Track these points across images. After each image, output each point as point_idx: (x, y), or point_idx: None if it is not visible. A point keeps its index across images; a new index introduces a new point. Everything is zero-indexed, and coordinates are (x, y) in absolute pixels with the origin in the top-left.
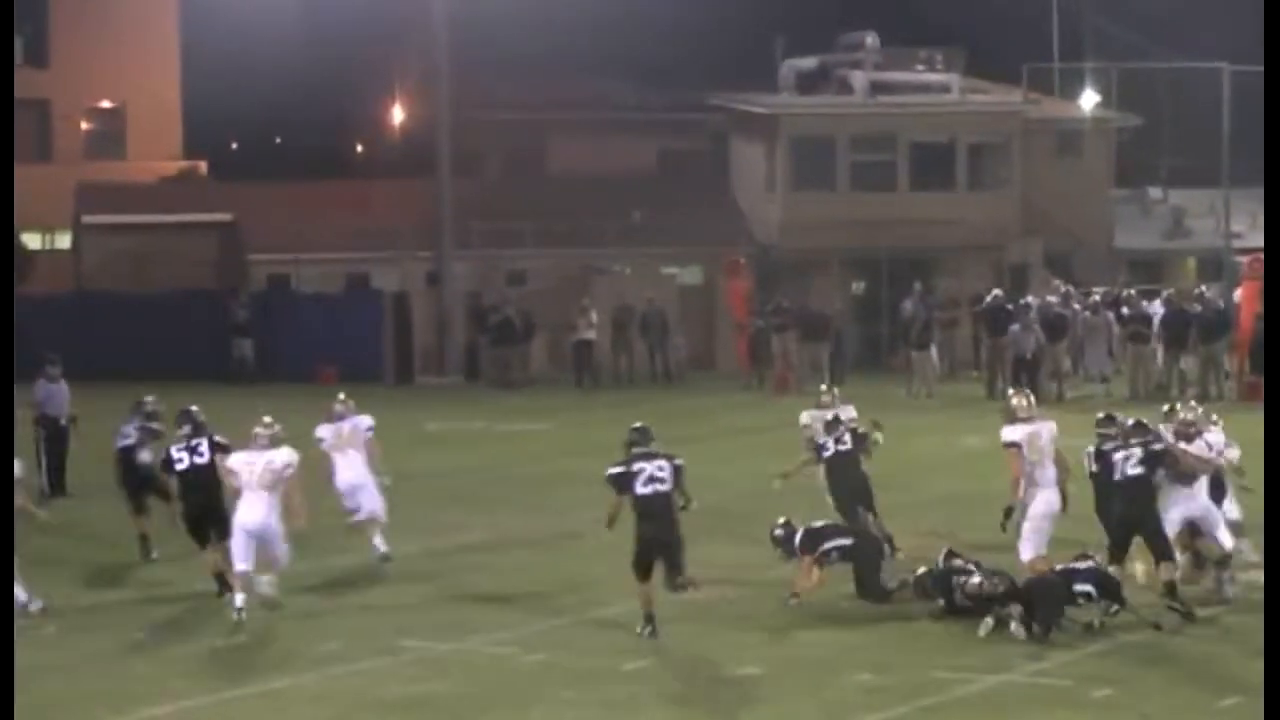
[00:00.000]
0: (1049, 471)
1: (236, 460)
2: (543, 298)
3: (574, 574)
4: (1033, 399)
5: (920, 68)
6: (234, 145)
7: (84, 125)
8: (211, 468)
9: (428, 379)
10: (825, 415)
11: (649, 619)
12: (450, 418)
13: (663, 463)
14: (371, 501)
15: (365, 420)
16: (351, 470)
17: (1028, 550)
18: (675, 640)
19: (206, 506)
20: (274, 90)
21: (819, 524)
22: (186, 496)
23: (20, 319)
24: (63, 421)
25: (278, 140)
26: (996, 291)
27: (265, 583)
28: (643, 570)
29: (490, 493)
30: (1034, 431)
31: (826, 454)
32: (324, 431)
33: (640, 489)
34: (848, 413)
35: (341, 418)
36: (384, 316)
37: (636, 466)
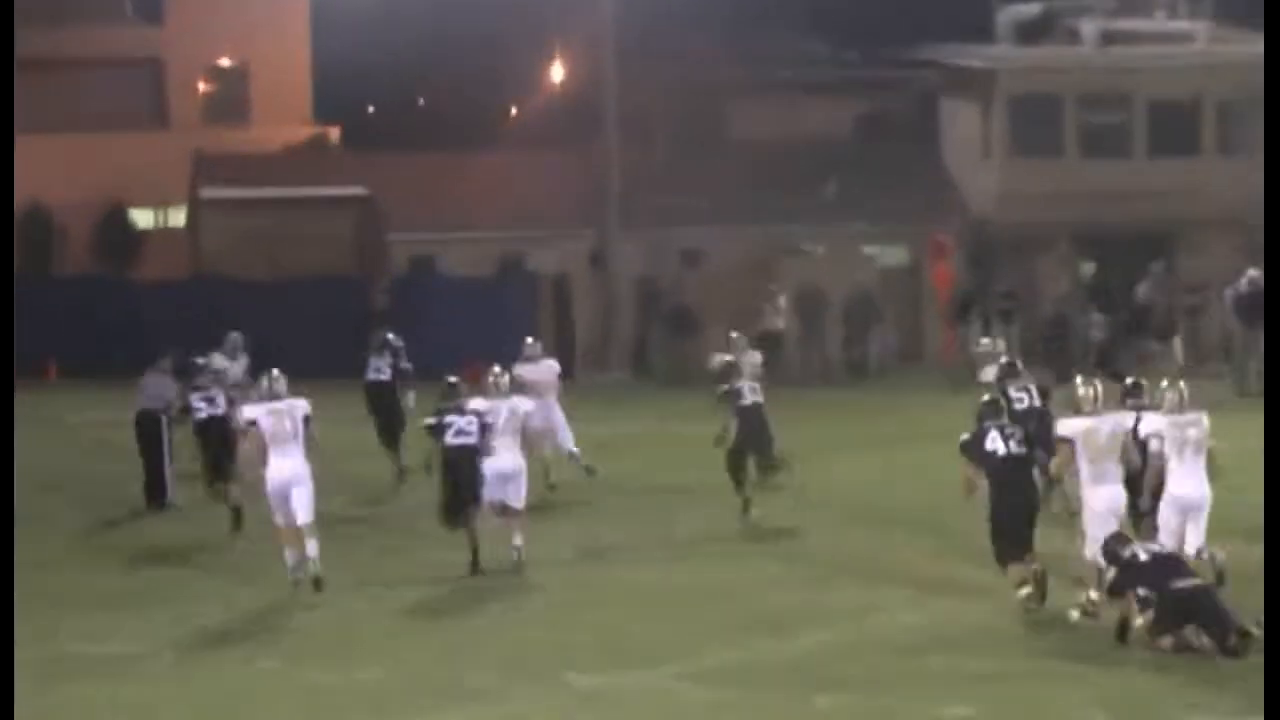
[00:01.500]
0: (1110, 468)
1: (257, 411)
2: (722, 282)
3: (752, 596)
4: (1099, 390)
5: (1160, 14)
6: (370, 109)
7: (202, 87)
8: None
9: (590, 375)
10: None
11: (474, 558)
12: (616, 419)
13: (471, 419)
14: (518, 493)
15: (524, 403)
16: (508, 455)
17: (1089, 549)
18: (879, 673)
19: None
20: (416, 47)
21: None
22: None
23: (129, 306)
24: (165, 415)
25: (420, 104)
26: (1251, 272)
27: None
28: (451, 517)
29: (659, 503)
30: (1093, 427)
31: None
32: (480, 405)
33: (450, 439)
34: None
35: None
36: (541, 303)
37: (448, 419)
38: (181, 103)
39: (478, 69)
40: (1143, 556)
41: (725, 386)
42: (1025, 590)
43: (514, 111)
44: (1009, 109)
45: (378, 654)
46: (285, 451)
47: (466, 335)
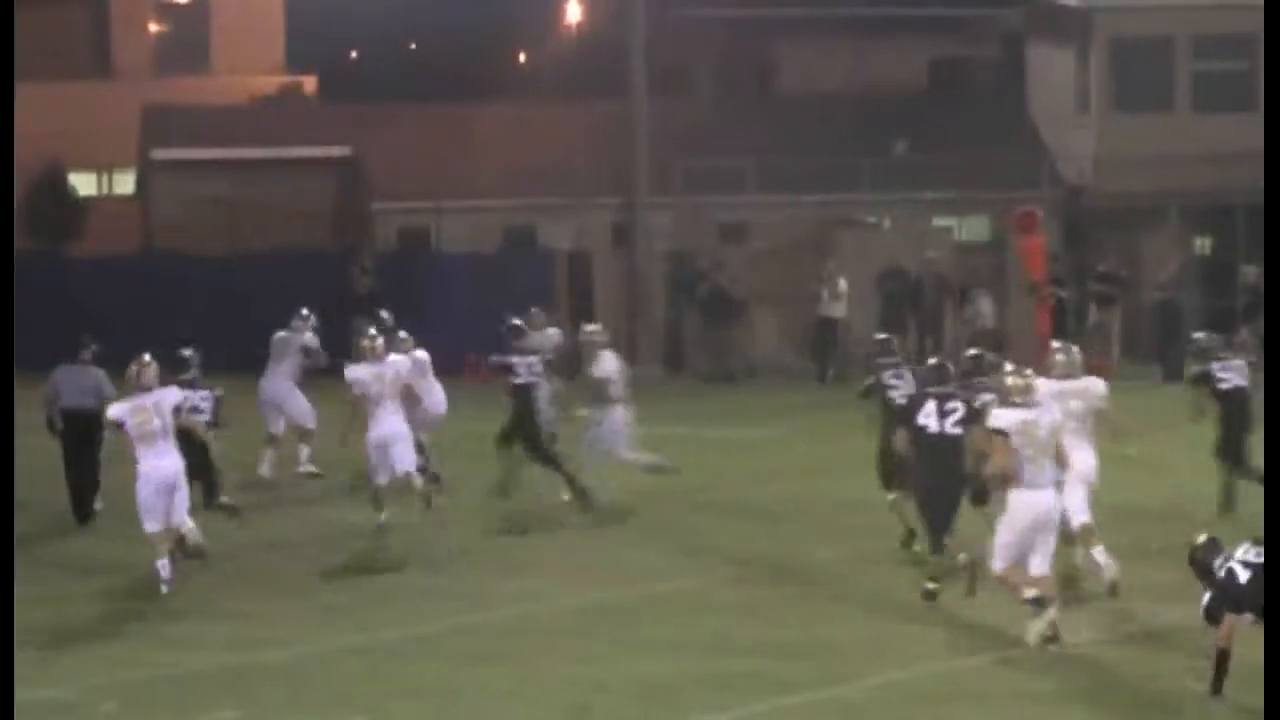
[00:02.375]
0: (1044, 472)
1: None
2: (770, 259)
3: (810, 635)
4: (1032, 380)
5: None
6: (353, 55)
7: (152, 28)
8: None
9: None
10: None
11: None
12: (645, 421)
13: None
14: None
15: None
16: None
17: (998, 561)
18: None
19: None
20: None
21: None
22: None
23: (67, 287)
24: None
25: (412, 47)
26: None
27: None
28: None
29: (696, 523)
30: (1031, 419)
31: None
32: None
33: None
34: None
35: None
36: (555, 285)
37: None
38: (128, 46)
39: (479, 7)
40: (1242, 575)
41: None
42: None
43: (523, 58)
44: (1110, 54)
45: (359, 700)
46: (158, 451)
47: (466, 322)
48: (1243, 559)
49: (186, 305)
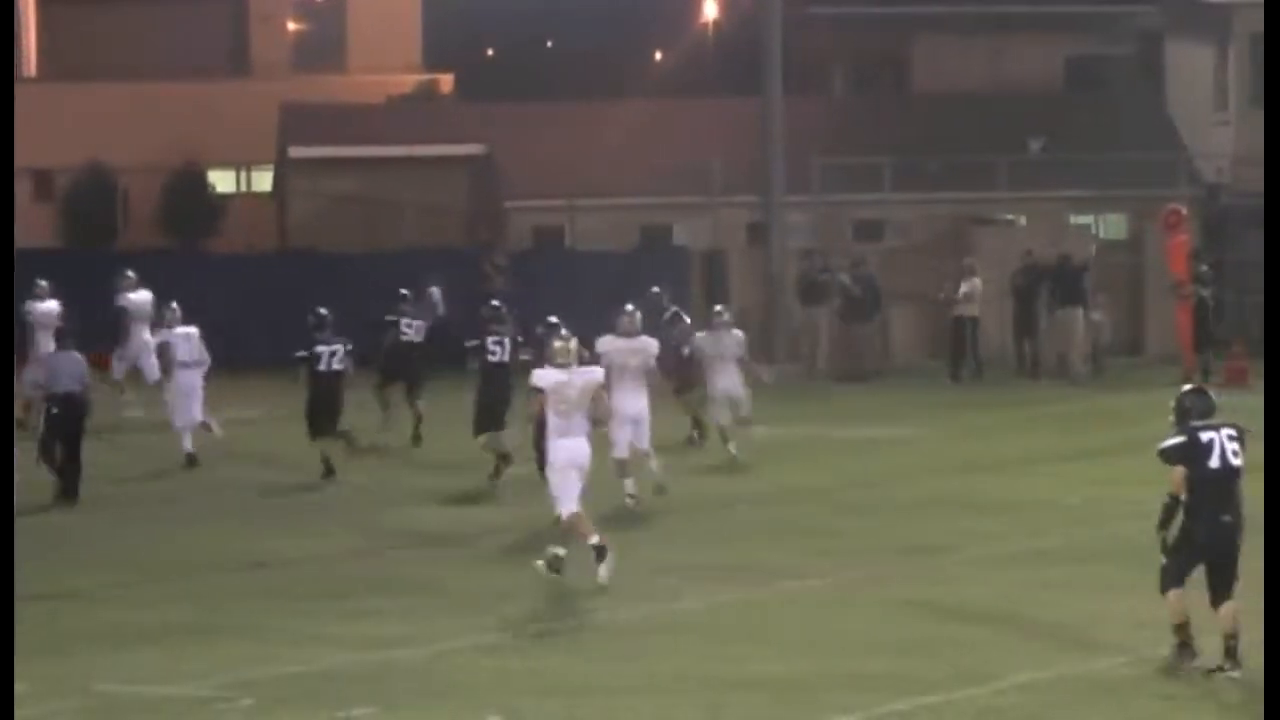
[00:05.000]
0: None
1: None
2: (906, 258)
3: (945, 634)
4: (574, 345)
5: None
6: (489, 53)
7: (290, 26)
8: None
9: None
10: None
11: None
12: (778, 420)
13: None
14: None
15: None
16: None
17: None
18: None
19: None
20: None
21: None
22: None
23: (205, 285)
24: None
25: (548, 46)
26: None
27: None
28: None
29: (830, 523)
30: (565, 381)
31: None
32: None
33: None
34: None
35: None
36: (690, 284)
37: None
38: (267, 45)
39: (616, 5)
40: (1204, 437)
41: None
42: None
43: (659, 55)
44: (1249, 50)
45: (492, 697)
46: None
47: (598, 322)
48: (1226, 434)
49: (321, 303)
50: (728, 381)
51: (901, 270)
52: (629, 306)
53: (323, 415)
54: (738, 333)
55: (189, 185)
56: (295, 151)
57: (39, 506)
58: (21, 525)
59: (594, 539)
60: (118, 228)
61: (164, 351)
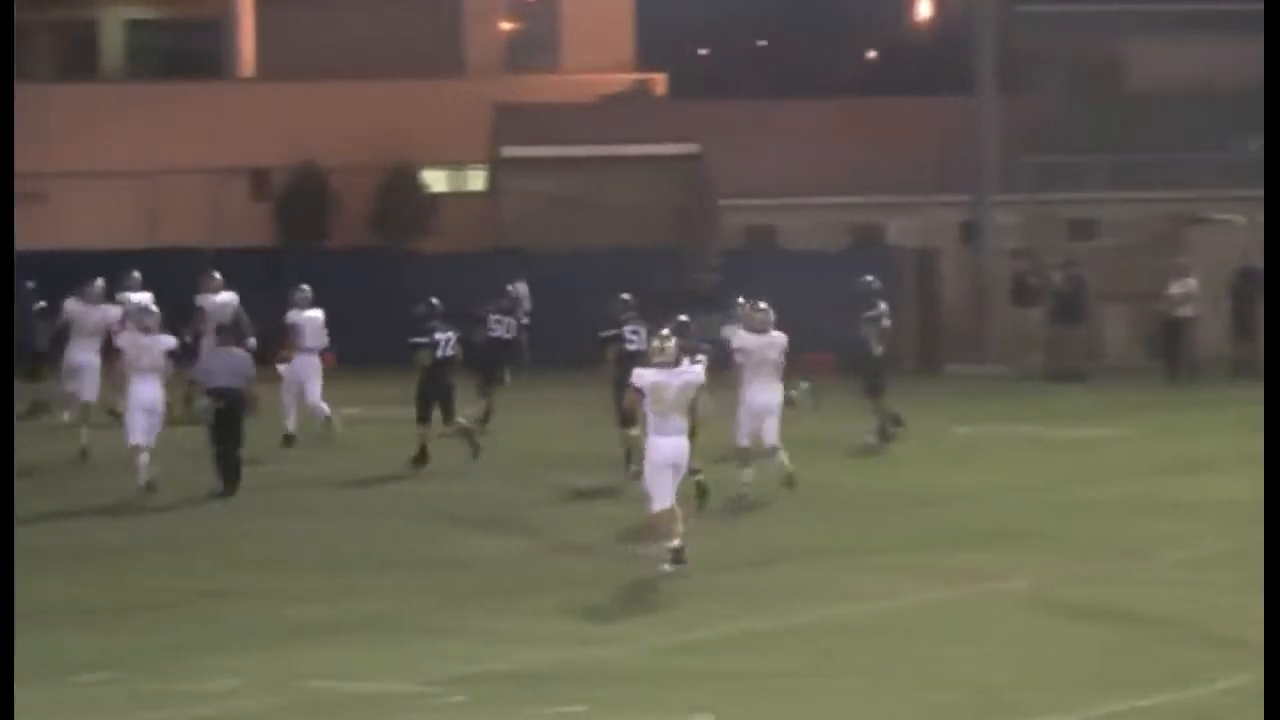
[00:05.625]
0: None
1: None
2: (1119, 257)
3: (1157, 635)
4: (672, 345)
5: None
6: (701, 52)
7: (503, 26)
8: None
9: (960, 366)
10: None
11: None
12: (987, 419)
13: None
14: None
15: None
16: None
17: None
18: None
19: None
20: None
21: None
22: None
23: (417, 285)
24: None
25: (760, 45)
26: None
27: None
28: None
29: (1032, 524)
30: (663, 381)
31: None
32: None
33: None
34: None
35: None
36: (902, 282)
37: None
38: (479, 44)
39: (828, 4)
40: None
41: None
42: None
43: (871, 55)
44: None
45: (702, 696)
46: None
47: (809, 322)
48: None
49: (533, 302)
50: (770, 394)
51: (1114, 270)
52: (762, 304)
53: (433, 401)
54: (780, 335)
55: (402, 184)
56: (508, 151)
57: (217, 504)
58: (201, 524)
59: (675, 542)
60: (330, 227)
61: (290, 332)
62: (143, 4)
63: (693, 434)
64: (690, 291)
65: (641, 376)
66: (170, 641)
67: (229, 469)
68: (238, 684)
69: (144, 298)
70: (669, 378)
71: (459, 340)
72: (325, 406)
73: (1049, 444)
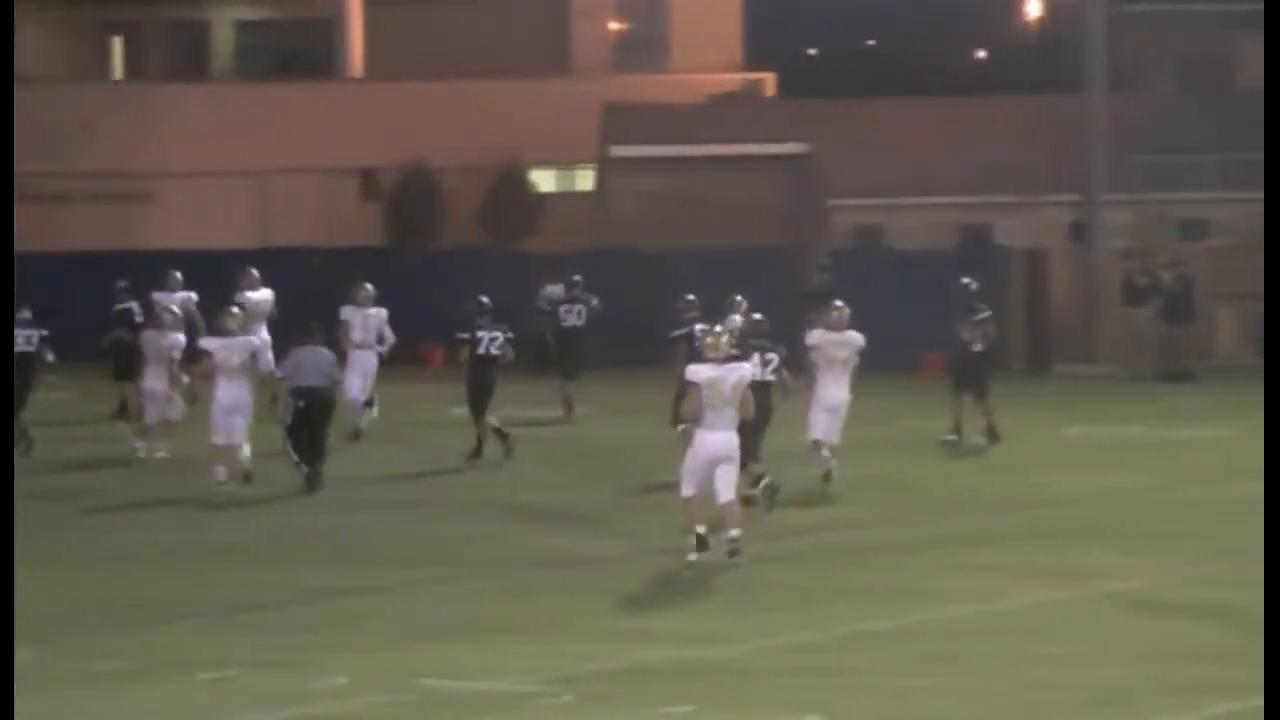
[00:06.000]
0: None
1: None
2: (1231, 256)
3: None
4: (725, 341)
5: None
6: (811, 52)
7: (612, 25)
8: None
9: (1070, 367)
10: None
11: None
12: (1097, 420)
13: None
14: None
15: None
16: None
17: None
18: None
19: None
20: None
21: None
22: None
23: (526, 283)
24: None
25: (870, 44)
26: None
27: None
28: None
29: (1145, 524)
30: (719, 376)
31: None
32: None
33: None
34: None
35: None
36: (1011, 282)
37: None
38: (588, 44)
39: (937, 3)
40: None
41: None
42: None
43: (981, 54)
44: None
45: (810, 697)
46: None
47: (919, 321)
48: None
49: (639, 301)
50: (837, 391)
51: (1225, 269)
52: (838, 301)
53: (479, 396)
54: (854, 335)
55: (511, 184)
56: (616, 150)
57: (303, 501)
58: (288, 520)
59: (701, 529)
60: (440, 226)
61: (342, 328)
62: (253, 4)
63: (758, 432)
64: (802, 291)
65: (697, 371)
66: (285, 639)
67: (314, 466)
68: (351, 682)
69: (264, 295)
70: (724, 373)
71: (508, 339)
72: (361, 399)
73: (1160, 444)
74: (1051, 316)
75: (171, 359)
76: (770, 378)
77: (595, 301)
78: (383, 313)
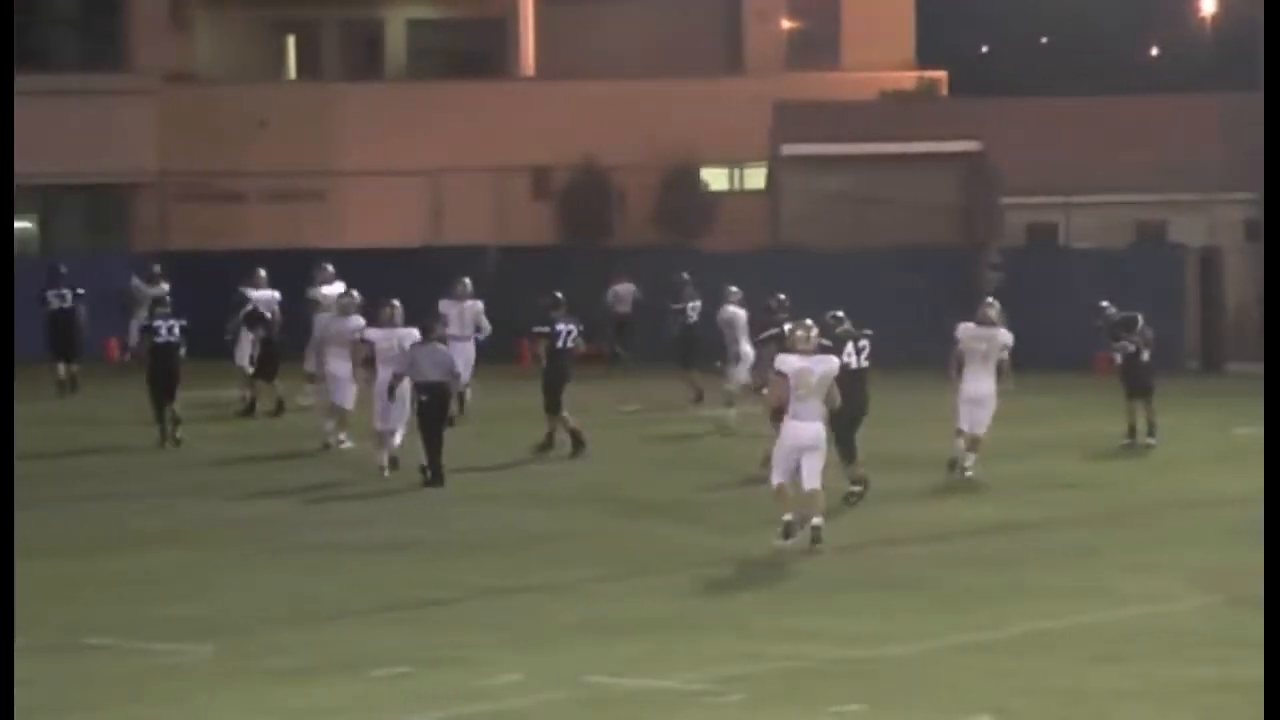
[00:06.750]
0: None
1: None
2: None
3: None
4: (815, 334)
5: None
6: (984, 49)
7: (785, 24)
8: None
9: (1245, 365)
10: None
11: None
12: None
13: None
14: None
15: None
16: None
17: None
18: None
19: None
20: None
21: None
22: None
23: (699, 281)
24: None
25: (1043, 42)
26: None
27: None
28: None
29: None
30: (806, 368)
31: None
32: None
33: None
34: None
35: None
36: (1186, 281)
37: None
38: (760, 43)
39: (1111, 1)
40: None
41: None
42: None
43: (1155, 50)
44: None
45: (982, 697)
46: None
47: (1089, 320)
48: None
49: (810, 301)
50: (981, 385)
51: None
52: (989, 298)
53: (556, 389)
54: (1000, 331)
55: (683, 182)
56: (788, 149)
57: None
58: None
59: (788, 515)
60: (613, 225)
61: (437, 321)
62: (426, 4)
63: (853, 427)
64: (976, 290)
65: (787, 362)
66: (455, 636)
67: (435, 461)
68: (520, 679)
69: (270, 295)
70: (812, 364)
71: (582, 333)
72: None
73: None
74: (1225, 315)
75: (354, 342)
76: (865, 364)
77: (698, 302)
78: (479, 304)
